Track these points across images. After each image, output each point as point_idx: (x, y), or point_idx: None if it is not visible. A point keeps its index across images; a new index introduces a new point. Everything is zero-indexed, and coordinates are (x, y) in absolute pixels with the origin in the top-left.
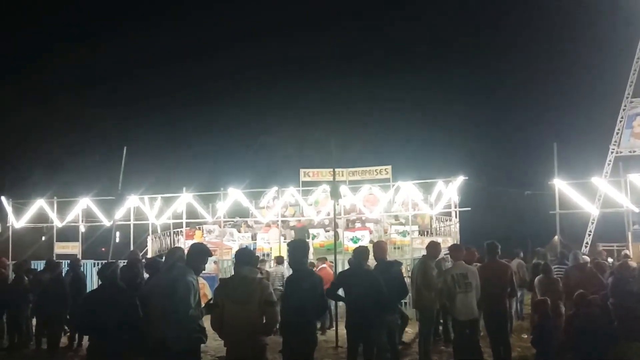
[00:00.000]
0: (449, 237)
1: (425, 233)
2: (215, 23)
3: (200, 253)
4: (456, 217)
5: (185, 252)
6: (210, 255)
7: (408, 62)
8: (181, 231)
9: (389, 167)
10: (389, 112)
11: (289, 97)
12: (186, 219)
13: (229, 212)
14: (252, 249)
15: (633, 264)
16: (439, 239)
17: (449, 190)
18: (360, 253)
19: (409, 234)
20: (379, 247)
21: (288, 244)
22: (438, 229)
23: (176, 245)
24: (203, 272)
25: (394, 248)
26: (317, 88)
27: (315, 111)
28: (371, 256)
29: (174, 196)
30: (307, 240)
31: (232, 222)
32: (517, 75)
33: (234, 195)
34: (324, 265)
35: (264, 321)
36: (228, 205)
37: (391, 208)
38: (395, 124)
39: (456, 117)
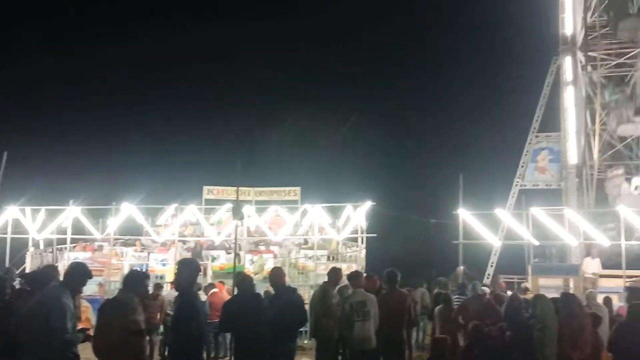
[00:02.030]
0: (354, 263)
1: (331, 258)
2: (101, 22)
3: (80, 274)
4: (363, 243)
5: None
6: (90, 277)
7: (320, 84)
8: (65, 247)
9: (298, 188)
10: (300, 132)
11: (197, 109)
12: (72, 234)
13: (121, 229)
14: (144, 270)
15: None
16: (344, 265)
17: (357, 215)
18: (244, 280)
19: (318, 259)
20: (277, 273)
21: (177, 263)
22: (344, 254)
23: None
24: (88, 294)
25: (298, 273)
26: (227, 103)
27: (224, 126)
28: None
29: (59, 209)
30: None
31: (123, 240)
32: (426, 104)
33: (128, 210)
34: (216, 289)
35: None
36: (120, 221)
37: (297, 231)
38: (306, 145)
39: (366, 142)
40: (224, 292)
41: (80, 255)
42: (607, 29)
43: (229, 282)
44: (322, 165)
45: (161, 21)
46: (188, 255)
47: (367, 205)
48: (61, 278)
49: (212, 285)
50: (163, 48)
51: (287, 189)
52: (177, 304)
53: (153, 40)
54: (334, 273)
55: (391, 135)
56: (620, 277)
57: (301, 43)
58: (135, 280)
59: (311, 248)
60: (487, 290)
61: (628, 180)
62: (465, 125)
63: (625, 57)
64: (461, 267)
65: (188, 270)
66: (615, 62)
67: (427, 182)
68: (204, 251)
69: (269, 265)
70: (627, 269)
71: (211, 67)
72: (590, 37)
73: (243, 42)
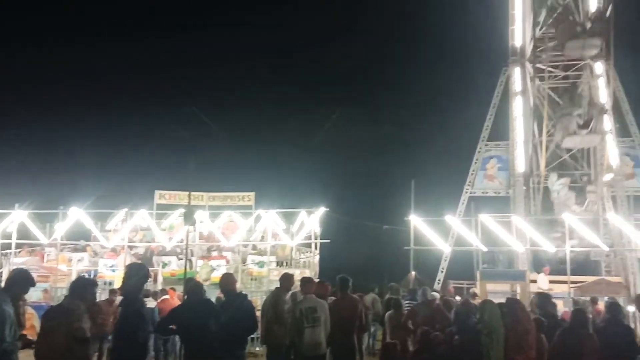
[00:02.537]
0: (307, 269)
1: (285, 264)
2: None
3: (21, 280)
4: (316, 248)
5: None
6: (33, 284)
7: (274, 89)
8: (10, 252)
9: (252, 193)
10: (255, 137)
11: (150, 111)
12: (17, 239)
13: (69, 234)
14: (92, 276)
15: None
16: (297, 271)
17: (311, 221)
18: (194, 287)
19: (265, 264)
20: (227, 279)
21: (126, 267)
22: (298, 260)
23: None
24: (33, 301)
25: (251, 279)
26: (181, 105)
27: (177, 130)
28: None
29: (4, 212)
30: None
31: (72, 246)
32: (380, 111)
33: (76, 215)
34: (167, 296)
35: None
36: (68, 226)
37: (251, 237)
38: (261, 150)
39: (321, 149)
40: (175, 298)
41: (27, 261)
42: (555, 42)
43: (181, 289)
44: (277, 170)
45: (113, 26)
46: (138, 261)
47: (321, 211)
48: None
49: (162, 292)
50: (113, 51)
51: (241, 194)
52: (122, 310)
53: (103, 43)
54: (286, 279)
55: (345, 142)
56: (564, 282)
57: (256, 49)
58: (83, 287)
59: (263, 254)
60: (437, 295)
61: (572, 189)
62: (418, 132)
63: (571, 70)
64: (413, 273)
65: (136, 276)
66: (562, 75)
67: (380, 189)
68: (154, 257)
69: (220, 272)
70: (571, 274)
71: (163, 70)
72: (539, 49)
73: (195, 46)
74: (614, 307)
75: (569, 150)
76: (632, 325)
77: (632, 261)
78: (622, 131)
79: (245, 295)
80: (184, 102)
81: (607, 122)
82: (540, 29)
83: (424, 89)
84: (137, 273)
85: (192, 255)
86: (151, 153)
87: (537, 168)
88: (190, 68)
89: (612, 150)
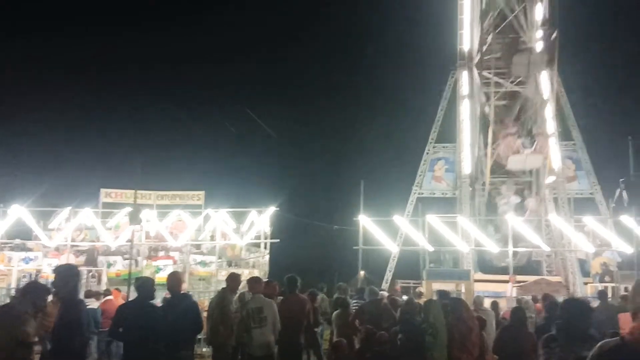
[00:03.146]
0: (257, 268)
1: (234, 264)
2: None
3: None
4: (266, 248)
5: None
6: None
7: (224, 89)
8: None
9: (202, 192)
10: (205, 135)
11: (97, 107)
12: None
13: (9, 232)
14: (34, 276)
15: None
16: (246, 271)
17: (261, 221)
18: (144, 284)
19: (213, 264)
20: (174, 279)
21: (54, 270)
22: (247, 260)
23: None
24: None
25: (199, 279)
26: (130, 102)
27: (125, 127)
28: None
29: None
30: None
31: (12, 245)
32: (330, 112)
33: (17, 213)
34: (110, 297)
35: None
36: (8, 224)
37: (199, 236)
38: (212, 149)
39: (272, 148)
40: (119, 299)
41: None
42: (501, 52)
43: (126, 289)
44: (228, 169)
45: (61, 25)
46: (82, 260)
47: (271, 210)
48: None
49: (106, 292)
50: (62, 48)
51: (191, 193)
52: (59, 312)
53: (53, 42)
54: (232, 279)
55: (296, 142)
56: (506, 282)
57: (204, 50)
58: (36, 293)
59: (211, 254)
60: (385, 294)
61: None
62: (368, 134)
63: (516, 83)
64: (362, 272)
65: (66, 276)
66: (507, 88)
67: (330, 189)
68: (99, 257)
69: (167, 272)
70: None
71: (112, 69)
72: (486, 58)
73: (140, 46)
74: (552, 307)
75: None
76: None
77: (571, 261)
78: (565, 135)
79: (190, 296)
80: (137, 100)
81: (551, 125)
82: (487, 36)
83: (373, 90)
84: (67, 273)
85: (138, 255)
86: (98, 150)
87: (483, 175)
88: (138, 65)
89: (554, 154)
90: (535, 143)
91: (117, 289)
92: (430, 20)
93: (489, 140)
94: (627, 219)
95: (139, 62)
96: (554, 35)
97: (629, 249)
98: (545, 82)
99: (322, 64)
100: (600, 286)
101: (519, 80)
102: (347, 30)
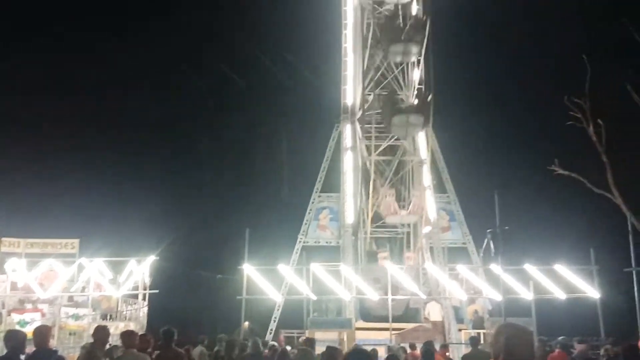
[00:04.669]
0: (133, 322)
1: (109, 317)
2: None
3: None
4: (145, 299)
5: None
6: None
7: (98, 131)
8: None
9: (76, 240)
10: (81, 178)
11: None
12: None
13: None
14: None
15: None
16: (122, 324)
17: (140, 270)
18: (13, 337)
19: (84, 316)
20: (40, 333)
21: None
22: (123, 312)
23: None
24: None
25: (69, 334)
26: None
27: None
28: None
29: None
30: None
31: None
32: (215, 158)
33: None
34: None
35: None
36: None
37: (72, 287)
38: (88, 195)
39: (152, 194)
40: None
41: None
42: (381, 110)
43: None
44: (105, 215)
45: None
46: None
47: (151, 259)
48: None
49: None
50: None
51: (64, 240)
52: None
53: None
54: (100, 332)
55: (178, 188)
56: (387, 330)
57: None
58: None
59: (84, 306)
60: (276, 345)
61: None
62: (254, 181)
63: (395, 139)
64: (246, 323)
65: None
66: (386, 142)
67: (214, 237)
68: None
69: (34, 327)
70: (393, 322)
71: None
72: (367, 113)
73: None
74: (428, 354)
75: None
76: None
77: (447, 308)
78: (440, 187)
79: (56, 351)
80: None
81: (427, 179)
82: (369, 95)
83: (260, 138)
84: None
85: (2, 308)
86: None
87: (365, 222)
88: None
89: (430, 205)
90: (412, 204)
91: None
92: (317, 73)
93: (370, 191)
94: (495, 268)
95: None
96: (429, 97)
97: (498, 297)
98: (422, 140)
99: (208, 111)
100: (473, 332)
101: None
102: (232, 77)
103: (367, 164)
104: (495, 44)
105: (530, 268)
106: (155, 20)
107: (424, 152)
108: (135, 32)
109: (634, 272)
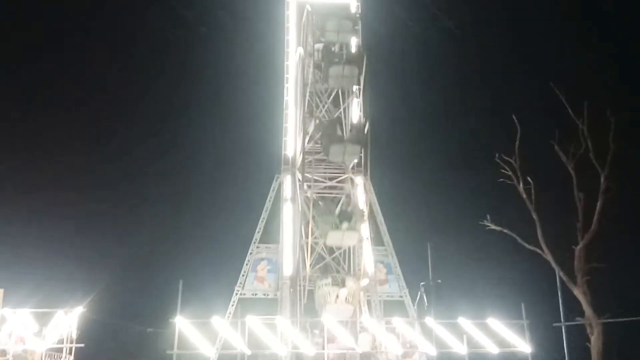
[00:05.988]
0: None
1: None
2: None
3: None
4: (70, 354)
5: None
6: None
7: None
8: None
9: (0, 290)
10: (3, 226)
11: None
12: None
13: None
14: None
15: None
16: None
17: (66, 323)
18: None
19: None
20: None
21: None
22: None
23: None
24: None
25: None
26: None
27: None
28: None
29: None
30: None
31: None
32: (147, 206)
33: None
34: None
35: None
36: None
37: None
38: (13, 241)
39: (81, 243)
40: None
41: None
42: (322, 154)
43: None
44: (31, 263)
45: None
46: None
47: (78, 311)
48: None
49: None
50: None
51: None
52: None
53: None
54: None
55: (107, 236)
56: None
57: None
58: None
59: None
60: None
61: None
62: (188, 232)
63: (335, 180)
64: None
65: None
66: (327, 184)
67: (145, 288)
68: None
69: None
70: None
71: None
72: (308, 160)
73: None
74: None
75: (332, 251)
76: None
77: None
78: (377, 240)
79: None
80: None
81: (365, 230)
82: (309, 142)
83: (196, 188)
84: None
85: None
86: None
87: (304, 269)
88: None
89: (368, 257)
90: (346, 292)
91: None
92: (259, 126)
93: (310, 231)
94: (430, 321)
95: None
96: (366, 128)
97: (433, 351)
98: (361, 191)
99: (146, 161)
100: None
101: (337, 181)
102: (164, 136)
103: (306, 209)
104: (430, 96)
105: (463, 322)
106: None
107: (362, 204)
108: None
109: (563, 327)
